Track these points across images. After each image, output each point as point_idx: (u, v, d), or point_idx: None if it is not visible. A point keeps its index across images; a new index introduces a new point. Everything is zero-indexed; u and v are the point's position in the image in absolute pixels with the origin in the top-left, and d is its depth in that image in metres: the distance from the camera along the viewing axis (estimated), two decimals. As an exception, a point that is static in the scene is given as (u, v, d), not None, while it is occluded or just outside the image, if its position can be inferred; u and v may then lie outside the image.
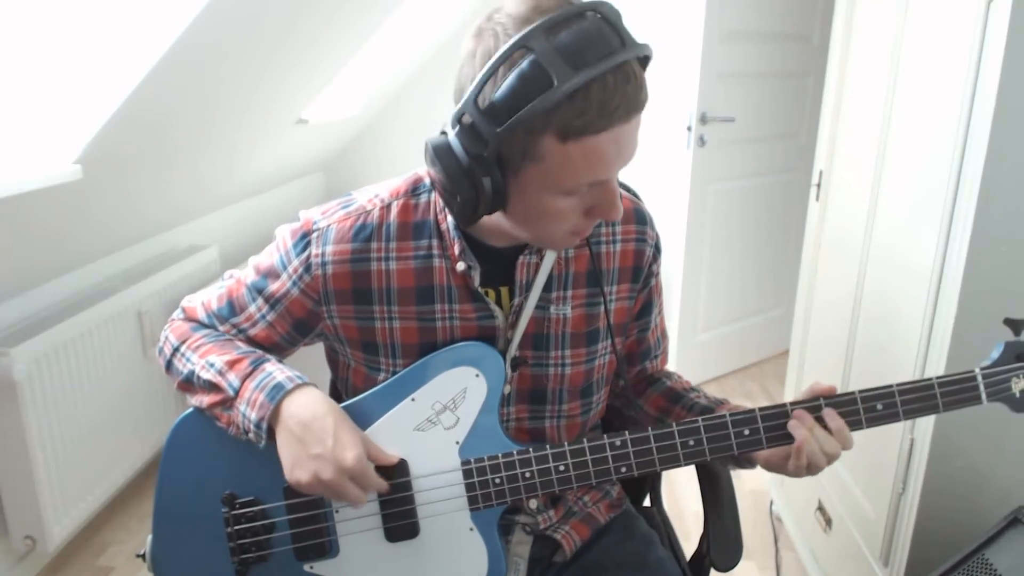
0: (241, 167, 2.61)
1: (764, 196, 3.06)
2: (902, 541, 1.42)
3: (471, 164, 0.77)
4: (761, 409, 0.89)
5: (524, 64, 0.71)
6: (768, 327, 3.27)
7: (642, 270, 1.01)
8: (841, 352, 1.75)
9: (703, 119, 2.73)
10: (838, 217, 1.84)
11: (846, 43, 1.82)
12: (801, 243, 2.10)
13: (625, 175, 1.03)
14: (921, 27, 1.44)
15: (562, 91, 0.70)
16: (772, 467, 0.91)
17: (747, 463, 0.95)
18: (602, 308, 0.98)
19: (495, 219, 0.86)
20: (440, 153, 0.78)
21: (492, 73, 0.73)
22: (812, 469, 0.88)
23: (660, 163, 3.22)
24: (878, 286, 1.60)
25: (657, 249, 1.03)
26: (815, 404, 0.89)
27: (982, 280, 1.23)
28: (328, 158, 3.70)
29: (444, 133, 0.80)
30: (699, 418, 0.89)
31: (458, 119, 0.77)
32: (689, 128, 2.75)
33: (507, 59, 0.72)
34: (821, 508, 1.85)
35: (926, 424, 1.34)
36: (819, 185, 1.96)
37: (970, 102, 1.22)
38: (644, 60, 0.77)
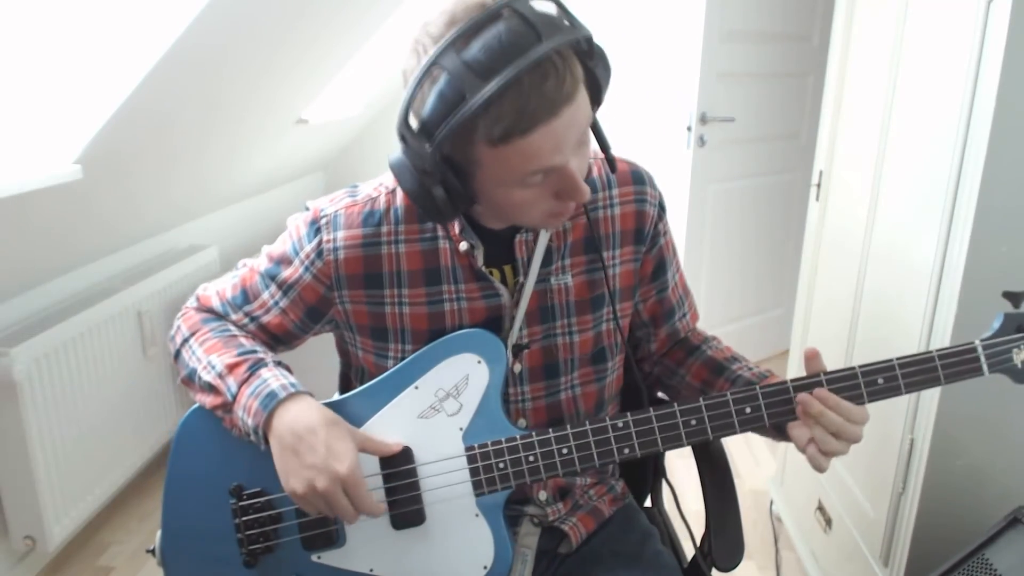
0: (241, 167, 2.61)
1: (764, 196, 3.05)
2: (902, 541, 1.42)
3: (421, 176, 0.79)
4: (762, 386, 0.89)
5: (441, 81, 0.72)
6: (768, 327, 3.27)
7: (645, 231, 1.00)
8: (841, 352, 1.75)
9: (703, 119, 2.73)
10: (838, 217, 1.84)
11: (846, 43, 1.83)
12: (801, 243, 2.10)
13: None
14: (921, 27, 1.44)
15: (474, 104, 0.70)
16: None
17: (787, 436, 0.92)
18: (603, 273, 0.98)
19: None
20: (396, 168, 0.82)
21: (417, 89, 0.74)
22: (835, 454, 0.87)
23: (660, 163, 3.21)
24: (878, 286, 1.60)
25: (661, 207, 1.02)
26: (815, 381, 0.88)
27: (982, 280, 1.23)
28: (328, 158, 3.70)
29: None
30: (701, 397, 0.89)
31: (400, 136, 0.79)
32: (689, 128, 2.74)
33: (427, 75, 0.73)
34: (821, 508, 1.85)
35: (926, 423, 1.34)
36: (819, 185, 1.96)
37: (970, 102, 1.22)
38: (582, 43, 0.75)
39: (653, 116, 3.20)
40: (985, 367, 0.88)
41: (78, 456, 1.87)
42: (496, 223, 0.94)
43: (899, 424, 1.42)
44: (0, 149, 1.52)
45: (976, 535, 1.19)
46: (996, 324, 0.90)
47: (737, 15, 2.68)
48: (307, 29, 2.07)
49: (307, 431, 0.85)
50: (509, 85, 0.70)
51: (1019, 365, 0.89)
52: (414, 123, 0.76)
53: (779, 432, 0.94)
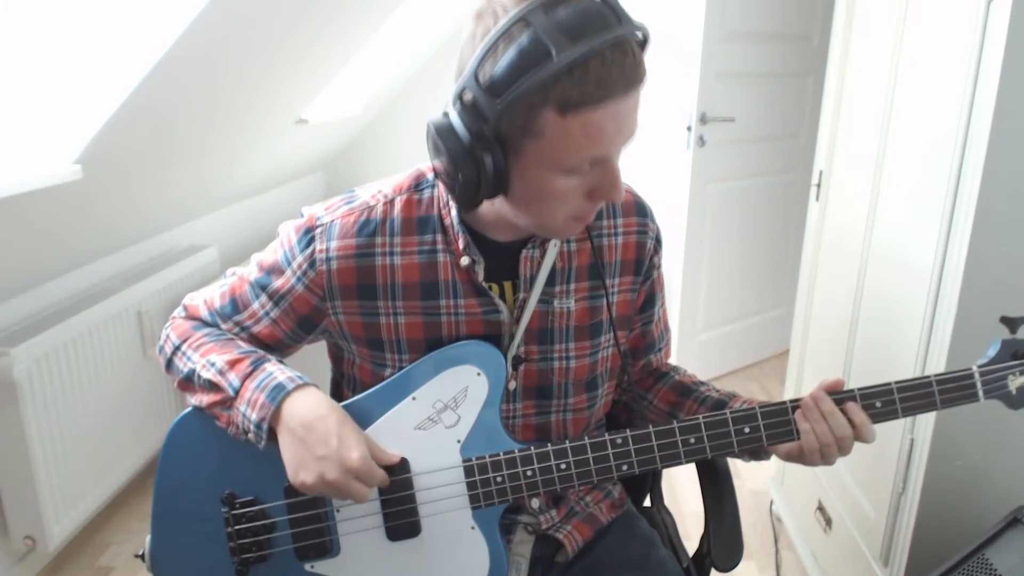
0: (241, 167, 2.61)
1: (764, 196, 3.06)
2: (902, 541, 1.42)
3: (472, 142, 0.77)
4: (761, 406, 0.90)
5: (523, 38, 0.72)
6: (768, 327, 3.27)
7: (644, 262, 1.01)
8: (841, 352, 1.75)
9: (703, 119, 2.73)
10: (838, 217, 1.84)
11: (846, 43, 1.82)
12: (801, 243, 2.10)
13: (625, 174, 1.03)
14: (921, 27, 1.44)
15: (560, 63, 0.71)
16: (792, 459, 0.92)
17: (764, 454, 0.95)
18: (604, 301, 0.98)
19: (497, 208, 0.87)
20: (442, 132, 0.79)
21: (492, 48, 0.74)
22: (827, 459, 0.89)
23: (660, 163, 3.22)
24: (878, 286, 1.60)
25: (658, 241, 1.04)
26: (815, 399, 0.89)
27: (982, 280, 1.23)
28: (328, 158, 3.70)
29: (446, 114, 0.80)
30: (700, 416, 0.90)
31: (459, 96, 0.77)
32: (689, 128, 2.75)
33: (506, 34, 0.73)
34: (821, 508, 1.85)
35: (926, 424, 1.34)
36: (819, 185, 1.96)
37: (970, 102, 1.22)
38: (643, 42, 0.78)
39: (653, 116, 3.20)
40: (981, 393, 0.90)
41: (78, 456, 1.87)
42: (503, 234, 0.92)
43: (899, 425, 1.42)
44: (0, 149, 1.52)
45: (976, 535, 1.19)
46: (992, 351, 0.91)
47: (737, 15, 2.68)
48: (307, 29, 2.07)
49: (317, 419, 0.84)
50: (594, 53, 0.71)
51: (1014, 391, 0.90)
52: (483, 80, 0.74)
53: (753, 453, 0.96)
